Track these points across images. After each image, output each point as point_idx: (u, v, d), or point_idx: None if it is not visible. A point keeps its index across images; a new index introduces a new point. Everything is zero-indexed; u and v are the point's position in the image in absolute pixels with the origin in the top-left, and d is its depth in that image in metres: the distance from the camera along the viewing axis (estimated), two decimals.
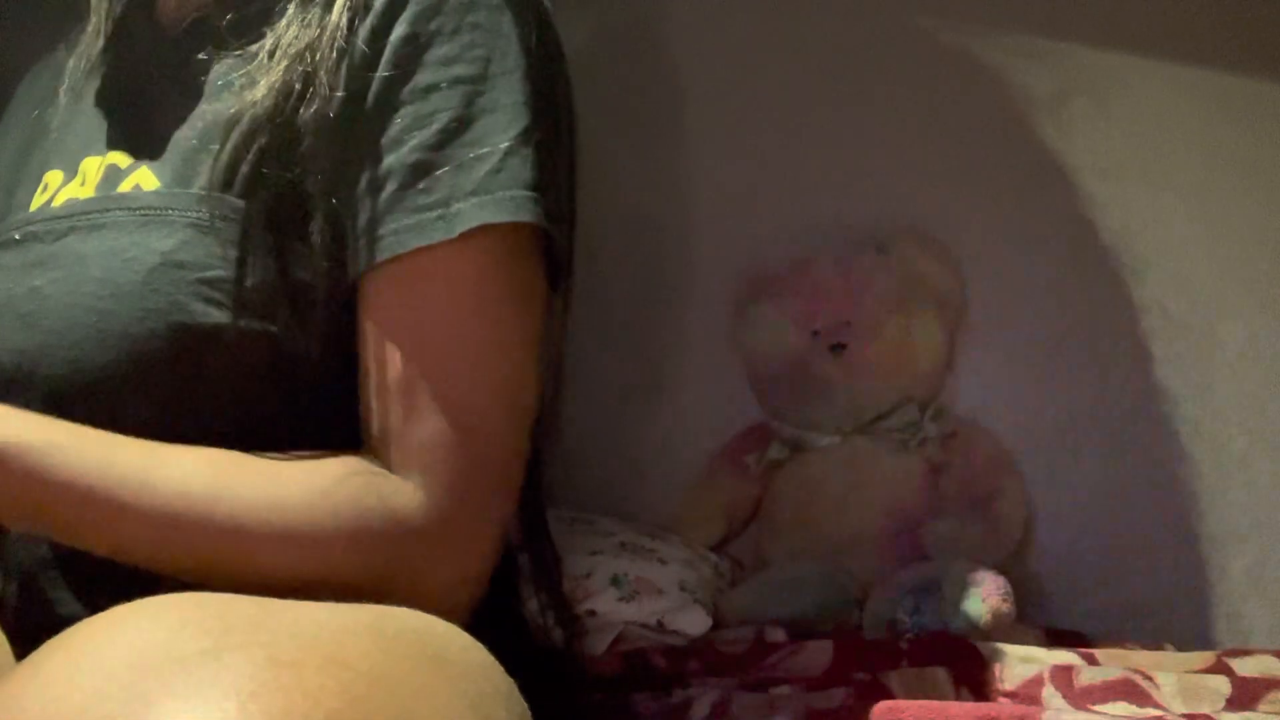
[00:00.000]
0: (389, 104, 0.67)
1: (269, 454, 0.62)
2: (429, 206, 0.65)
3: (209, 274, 0.65)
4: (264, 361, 0.65)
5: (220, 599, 0.45)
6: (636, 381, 1.70)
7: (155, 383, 0.64)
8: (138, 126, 0.74)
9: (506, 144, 0.66)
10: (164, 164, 0.71)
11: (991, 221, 1.56)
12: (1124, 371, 1.49)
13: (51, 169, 0.76)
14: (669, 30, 1.72)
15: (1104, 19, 1.52)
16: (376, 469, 0.63)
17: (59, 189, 0.74)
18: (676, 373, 1.69)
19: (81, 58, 0.81)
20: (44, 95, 0.83)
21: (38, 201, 0.75)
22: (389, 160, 0.66)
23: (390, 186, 0.66)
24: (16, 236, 0.72)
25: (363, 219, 0.66)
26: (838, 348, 1.51)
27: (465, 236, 0.64)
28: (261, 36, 0.71)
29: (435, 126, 0.66)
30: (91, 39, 0.81)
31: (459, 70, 0.68)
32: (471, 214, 0.65)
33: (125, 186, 0.71)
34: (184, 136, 0.71)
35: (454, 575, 0.63)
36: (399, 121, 0.67)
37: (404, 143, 0.66)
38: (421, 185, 0.65)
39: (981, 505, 1.46)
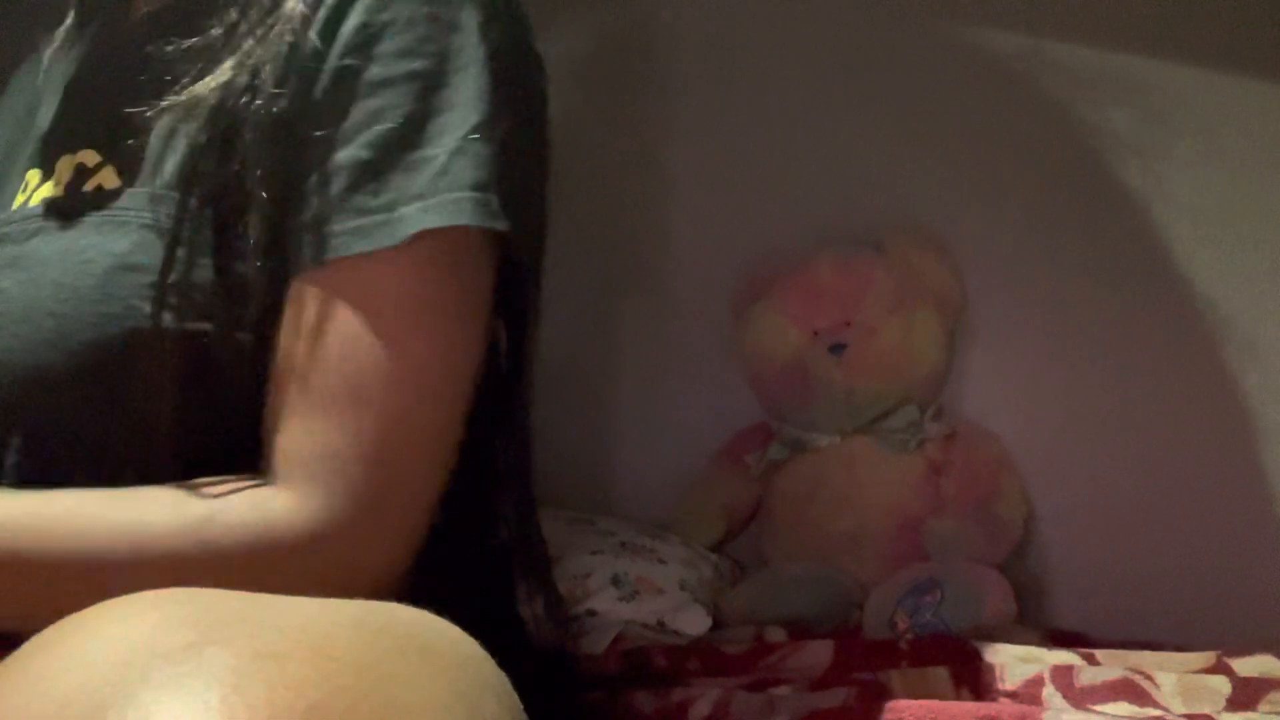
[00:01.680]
0: (337, 98, 0.65)
1: (185, 482, 0.61)
2: (375, 210, 0.63)
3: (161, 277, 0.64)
4: (202, 361, 0.63)
5: (205, 594, 0.45)
6: (636, 382, 1.70)
7: (113, 387, 0.63)
8: (105, 122, 0.72)
9: (454, 144, 0.64)
10: (125, 162, 0.70)
11: (991, 221, 1.56)
12: (1124, 371, 1.49)
13: (33, 167, 0.76)
14: (667, 31, 1.72)
15: (1101, 15, 1.52)
16: (267, 484, 0.62)
17: (36, 188, 0.73)
18: (676, 373, 1.69)
19: (60, 52, 0.80)
20: (31, 91, 0.82)
21: (18, 201, 0.74)
22: (337, 158, 0.64)
23: (336, 186, 0.64)
24: None
25: (306, 217, 0.64)
26: (838, 348, 1.51)
27: (408, 242, 0.62)
28: (214, 26, 0.70)
29: (385, 125, 0.64)
30: (68, 32, 0.80)
31: (412, 65, 0.65)
32: (415, 219, 0.62)
33: (89, 185, 0.70)
34: (144, 133, 0.70)
35: (336, 590, 0.62)
36: (348, 118, 0.65)
37: (352, 140, 0.64)
38: (369, 187, 0.63)
39: (981, 505, 1.46)
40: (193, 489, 0.61)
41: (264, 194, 0.64)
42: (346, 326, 0.62)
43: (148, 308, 0.63)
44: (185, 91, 0.67)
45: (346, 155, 0.64)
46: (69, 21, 0.81)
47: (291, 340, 0.64)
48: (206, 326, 0.63)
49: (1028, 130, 1.55)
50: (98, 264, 0.64)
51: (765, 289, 1.59)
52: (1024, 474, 1.50)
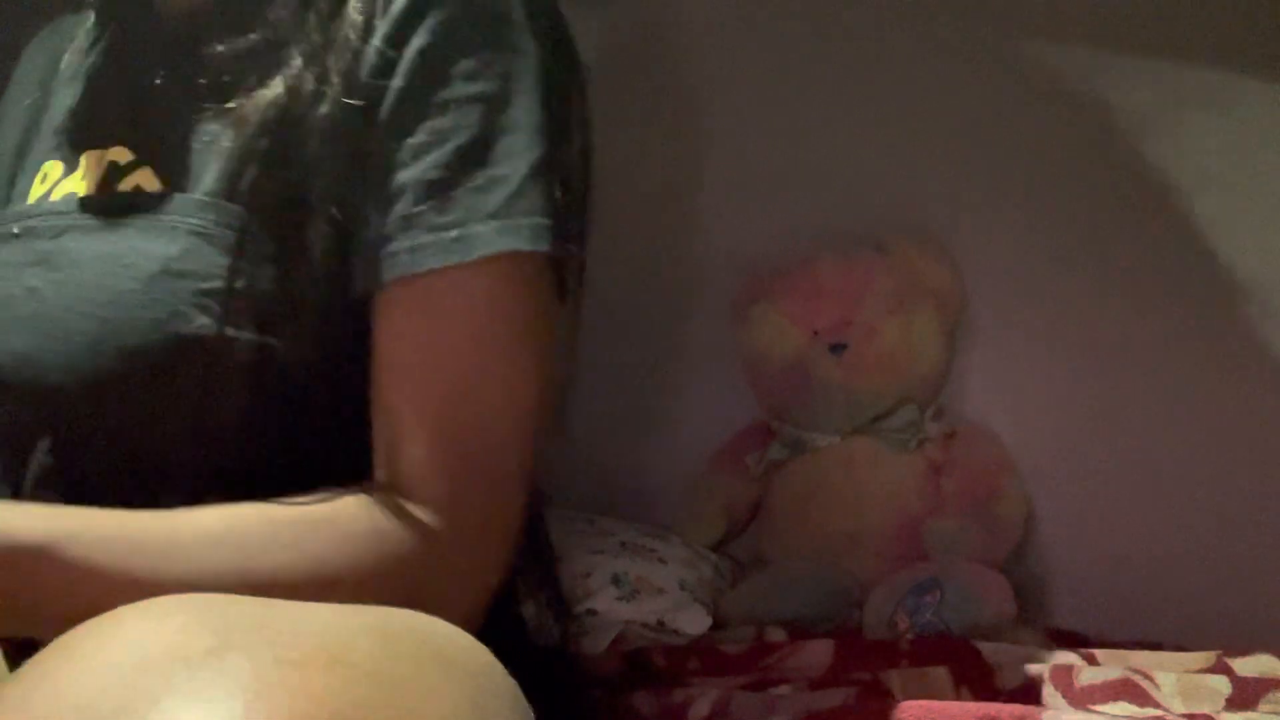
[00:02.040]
0: (404, 116, 0.65)
1: (279, 500, 0.61)
2: (445, 226, 0.63)
3: (210, 284, 0.63)
4: (263, 372, 0.63)
5: (225, 599, 0.45)
6: (636, 381, 1.70)
7: (154, 392, 0.63)
8: (137, 120, 0.72)
9: (526, 168, 0.65)
10: (165, 164, 0.69)
11: (992, 221, 1.56)
12: (1124, 371, 1.49)
13: (51, 159, 0.74)
14: (671, 34, 1.73)
15: (1100, 14, 1.52)
16: (389, 501, 0.62)
17: (58, 182, 0.72)
18: (676, 373, 1.69)
19: (81, 41, 0.79)
20: (43, 77, 0.81)
21: (36, 193, 0.73)
22: (404, 175, 0.64)
23: (404, 202, 0.64)
24: (15, 231, 0.70)
25: (373, 233, 0.64)
26: (838, 348, 1.51)
27: (481, 260, 0.63)
28: (265, 28, 0.69)
29: (453, 144, 0.64)
30: (90, 22, 0.79)
31: (479, 87, 0.66)
32: (490, 239, 0.63)
33: (125, 185, 0.69)
34: (185, 135, 0.69)
35: (470, 591, 0.63)
36: (415, 136, 0.65)
37: (420, 158, 0.64)
38: (438, 204, 0.64)
39: (981, 505, 1.46)
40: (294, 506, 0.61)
41: (331, 208, 0.64)
42: (432, 341, 0.63)
43: (196, 315, 0.62)
44: (248, 96, 0.66)
45: (413, 173, 0.64)
46: (91, 18, 0.79)
47: (379, 354, 0.64)
48: (268, 339, 0.63)
49: (1028, 130, 1.55)
50: (141, 268, 0.64)
51: (765, 289, 1.59)
52: (1024, 474, 1.50)
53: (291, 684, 0.39)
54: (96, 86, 0.76)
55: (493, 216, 0.64)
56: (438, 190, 0.64)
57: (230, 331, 0.63)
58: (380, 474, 0.64)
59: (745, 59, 1.69)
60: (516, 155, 0.65)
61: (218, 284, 0.63)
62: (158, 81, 0.72)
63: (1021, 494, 1.48)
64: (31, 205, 0.72)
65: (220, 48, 0.69)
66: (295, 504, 0.60)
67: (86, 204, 0.69)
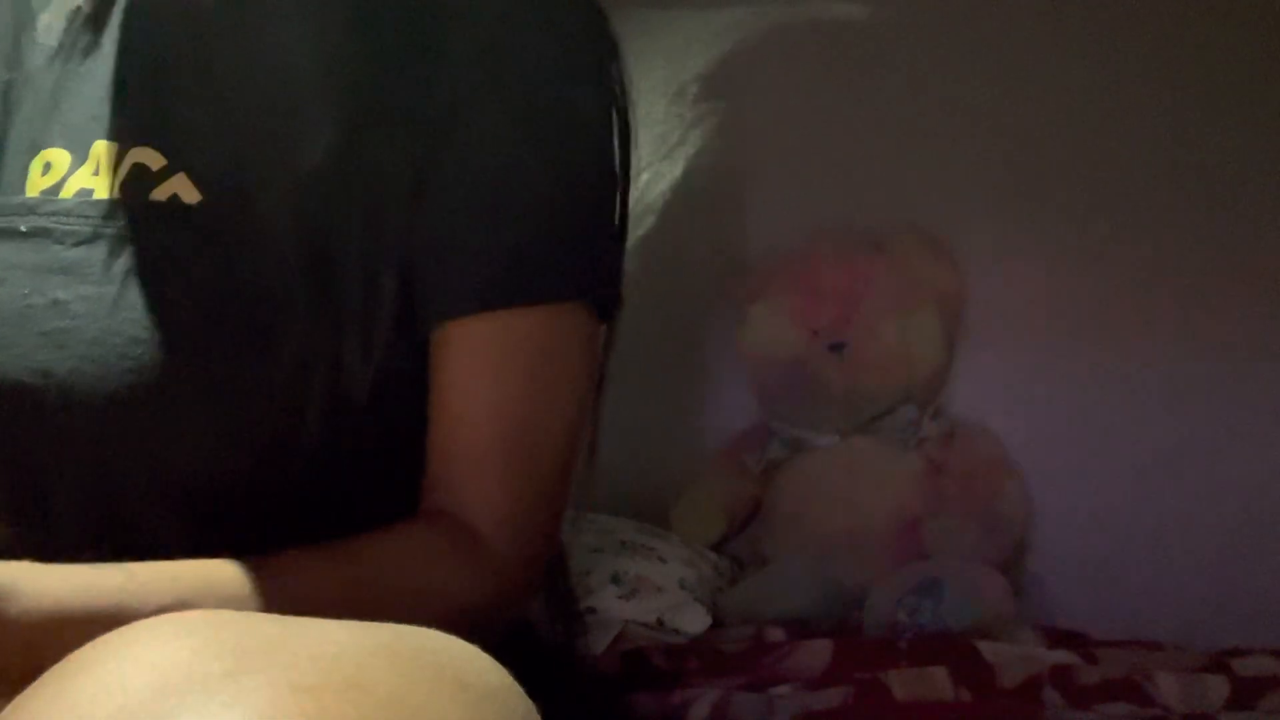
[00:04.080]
0: (469, 148, 0.63)
1: (358, 543, 0.60)
2: (509, 267, 0.63)
3: (261, 308, 0.61)
4: (319, 401, 0.61)
5: (241, 618, 0.45)
6: (637, 381, 1.70)
7: (201, 420, 0.61)
8: (164, 118, 0.66)
9: (587, 212, 0.66)
10: (206, 175, 0.64)
11: (992, 221, 1.56)
12: (1124, 371, 1.49)
13: (52, 145, 0.68)
14: (671, 31, 1.72)
15: (1100, 14, 1.52)
16: (455, 531, 0.62)
17: (68, 175, 0.66)
18: (676, 373, 1.69)
19: (79, 10, 0.70)
20: (11, 36, 0.71)
21: (37, 183, 0.67)
22: (470, 212, 0.63)
23: (473, 240, 0.63)
24: (22, 228, 0.64)
25: (442, 267, 0.63)
26: (837, 347, 1.51)
27: (554, 301, 0.64)
28: (307, 31, 0.65)
29: (523, 181, 0.64)
30: (94, 6, 0.71)
31: (544, 125, 0.65)
32: (555, 284, 0.64)
33: (159, 194, 0.64)
34: (225, 144, 0.64)
35: (519, 608, 0.65)
36: (482, 171, 0.63)
37: (487, 195, 0.63)
38: (513, 241, 0.63)
39: (981, 505, 1.46)
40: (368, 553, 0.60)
41: (399, 239, 0.62)
42: (498, 380, 0.63)
43: (255, 343, 0.60)
44: (288, 112, 0.63)
45: (479, 209, 0.63)
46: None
47: (441, 390, 0.63)
48: (327, 367, 0.61)
49: (1028, 130, 1.55)
50: (191, 292, 0.61)
51: (765, 289, 1.58)
52: (1024, 474, 1.50)
53: (306, 710, 0.39)
54: (101, 67, 0.69)
55: (558, 260, 0.64)
56: (508, 229, 0.63)
57: (296, 361, 0.61)
58: (436, 501, 0.63)
59: (746, 58, 1.69)
60: (575, 198, 0.65)
61: (294, 324, 0.61)
62: (184, 75, 0.67)
63: (1021, 494, 1.48)
64: (37, 199, 0.66)
65: (257, 46, 0.65)
66: (364, 539, 0.60)
67: (115, 211, 0.64)
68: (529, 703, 0.48)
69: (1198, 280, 1.48)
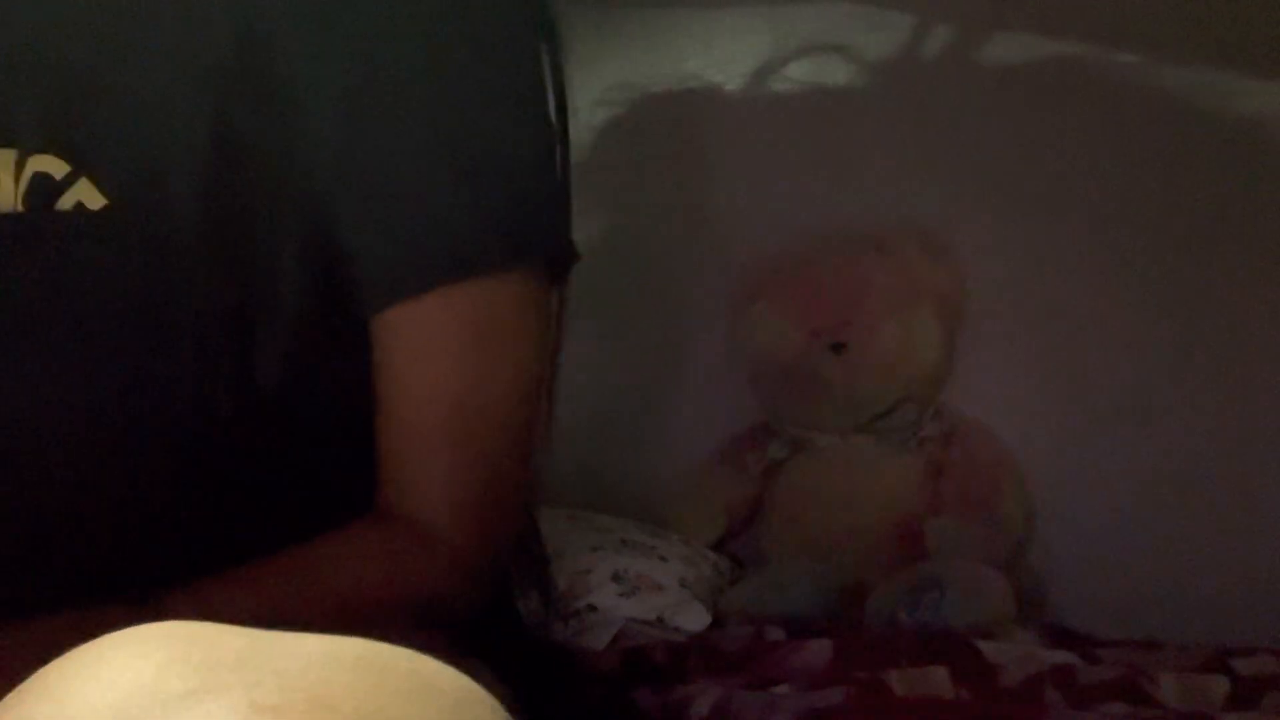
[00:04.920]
0: (382, 124, 0.61)
1: (303, 551, 0.59)
2: (448, 241, 0.61)
3: (188, 318, 0.59)
4: (227, 392, 0.60)
5: (210, 630, 0.44)
6: (636, 381, 1.70)
7: (119, 423, 0.60)
8: (61, 121, 0.62)
9: (520, 172, 0.62)
10: (110, 178, 0.61)
11: (992, 221, 1.56)
12: (1125, 371, 1.49)
13: None
14: (672, 30, 1.72)
15: (1100, 12, 1.52)
16: (403, 527, 0.61)
17: None
18: (676, 373, 1.69)
19: None
20: None
21: None
22: (398, 187, 0.60)
23: (397, 221, 0.61)
24: None
25: (367, 253, 0.60)
26: (837, 347, 1.51)
27: (489, 273, 0.61)
28: (224, 28, 0.61)
29: (449, 152, 0.61)
30: None
31: (471, 88, 0.62)
32: (490, 254, 0.61)
33: (65, 203, 0.61)
34: (125, 142, 0.61)
35: (478, 598, 0.63)
36: (398, 147, 0.60)
37: (411, 167, 0.61)
38: (440, 218, 0.61)
39: (981, 505, 1.46)
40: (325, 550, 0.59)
41: (315, 225, 0.60)
42: (434, 360, 0.61)
43: (167, 341, 0.59)
44: (199, 85, 0.60)
45: (406, 185, 0.61)
46: None
47: (382, 376, 0.62)
48: (255, 365, 0.60)
49: (1028, 130, 1.55)
50: (114, 302, 0.59)
51: (765, 289, 1.59)
52: (1024, 474, 1.50)
53: None
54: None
55: (488, 228, 0.61)
56: (440, 203, 0.61)
57: (216, 364, 0.60)
58: (387, 497, 0.62)
59: (746, 59, 1.69)
60: (508, 159, 0.63)
61: (196, 318, 0.60)
62: (89, 64, 0.63)
63: (1021, 494, 1.48)
64: None
65: (161, 19, 0.62)
66: (316, 546, 0.59)
67: (19, 223, 0.61)
68: (505, 715, 0.47)
69: (1199, 280, 1.48)
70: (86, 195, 0.61)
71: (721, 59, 1.70)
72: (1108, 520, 1.47)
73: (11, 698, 0.41)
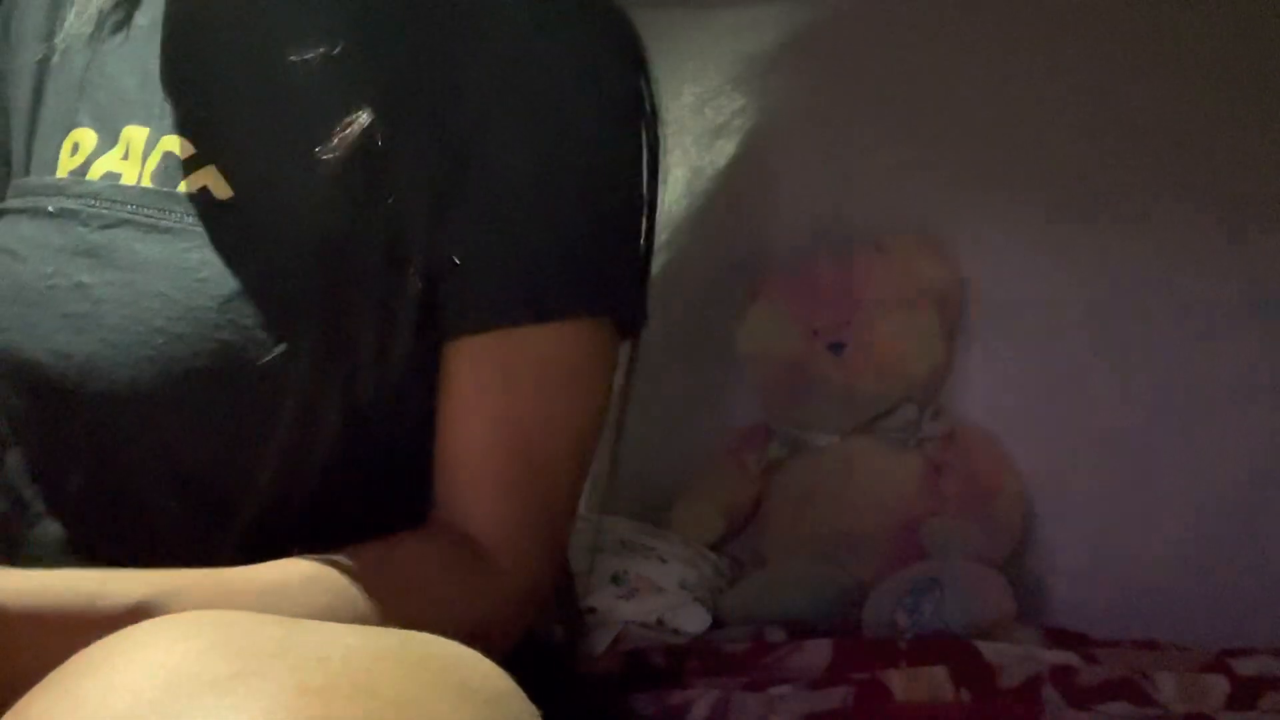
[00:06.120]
0: (490, 164, 0.62)
1: (358, 553, 0.58)
2: (529, 283, 0.62)
3: (282, 309, 0.60)
4: (328, 407, 0.60)
5: (248, 619, 0.45)
6: (636, 381, 1.70)
7: (216, 417, 0.61)
8: (200, 110, 0.65)
9: (611, 229, 0.66)
10: (233, 168, 0.63)
11: (992, 221, 1.56)
12: (1124, 371, 1.49)
13: (81, 125, 0.67)
14: (671, 32, 1.72)
15: (1101, 13, 1.52)
16: (458, 546, 0.62)
17: (93, 156, 0.66)
18: (676, 373, 1.69)
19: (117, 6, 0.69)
20: (49, 28, 0.70)
21: (66, 164, 0.66)
22: (489, 228, 0.62)
23: (491, 257, 0.62)
24: (50, 209, 0.64)
25: (459, 283, 0.62)
26: (837, 347, 1.51)
27: (570, 319, 0.64)
28: (361, 38, 0.63)
29: (543, 199, 0.63)
30: None
31: (573, 140, 0.64)
32: (573, 301, 0.63)
33: (188, 186, 0.63)
34: (263, 142, 0.64)
35: (525, 620, 0.65)
36: (502, 188, 0.62)
37: (506, 212, 0.63)
38: (539, 261, 0.63)
39: (981, 505, 1.46)
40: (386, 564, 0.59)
41: (417, 250, 0.61)
42: (509, 392, 0.63)
43: (273, 344, 0.59)
44: (334, 117, 0.61)
45: (507, 225, 0.63)
46: None
47: (451, 400, 0.63)
48: (341, 376, 0.60)
49: (1029, 130, 1.55)
50: (217, 286, 0.60)
51: (765, 289, 1.59)
52: (1024, 474, 1.50)
53: (314, 713, 0.39)
54: (140, 52, 0.68)
55: (579, 279, 0.64)
56: (533, 245, 0.63)
57: (318, 364, 0.60)
58: (442, 516, 0.63)
59: (745, 57, 1.69)
60: (609, 220, 0.66)
61: (303, 318, 0.60)
62: (228, 71, 0.66)
63: (1021, 494, 1.48)
64: (65, 180, 0.65)
65: (307, 54, 0.63)
66: (367, 552, 0.59)
67: (144, 199, 0.63)
68: (533, 708, 0.48)
69: (1199, 281, 1.48)
70: (213, 182, 0.64)
71: (721, 59, 1.70)
72: (1108, 520, 1.47)
73: (55, 676, 0.42)
